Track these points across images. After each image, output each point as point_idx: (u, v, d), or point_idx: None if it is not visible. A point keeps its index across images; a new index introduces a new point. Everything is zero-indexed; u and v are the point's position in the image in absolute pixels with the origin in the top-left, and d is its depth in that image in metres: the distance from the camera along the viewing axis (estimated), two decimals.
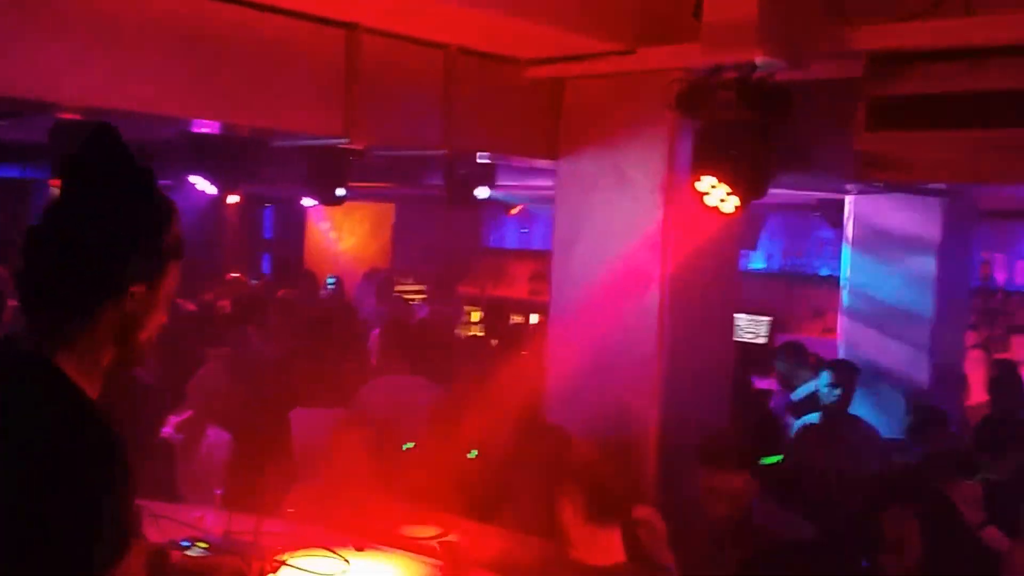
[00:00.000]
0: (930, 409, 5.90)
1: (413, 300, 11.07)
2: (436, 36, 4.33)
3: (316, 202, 9.24)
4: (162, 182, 1.83)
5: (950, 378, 6.82)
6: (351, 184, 6.04)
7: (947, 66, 3.78)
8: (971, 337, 7.78)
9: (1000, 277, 9.52)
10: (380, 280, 10.65)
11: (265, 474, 4.37)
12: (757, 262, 10.76)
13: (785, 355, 7.26)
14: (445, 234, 12.76)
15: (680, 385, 4.57)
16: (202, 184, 5.78)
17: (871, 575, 3.59)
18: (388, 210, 13.39)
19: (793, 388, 6.89)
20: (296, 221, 13.27)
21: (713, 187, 3.86)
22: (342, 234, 13.36)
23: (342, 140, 4.28)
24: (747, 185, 3.76)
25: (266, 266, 13.57)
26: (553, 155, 4.87)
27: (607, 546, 3.15)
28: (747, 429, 4.79)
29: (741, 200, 3.86)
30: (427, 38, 4.34)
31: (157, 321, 1.80)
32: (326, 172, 5.90)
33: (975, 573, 3.79)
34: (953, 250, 6.63)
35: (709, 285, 4.74)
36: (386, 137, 4.41)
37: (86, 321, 1.69)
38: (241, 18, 3.77)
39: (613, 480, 3.34)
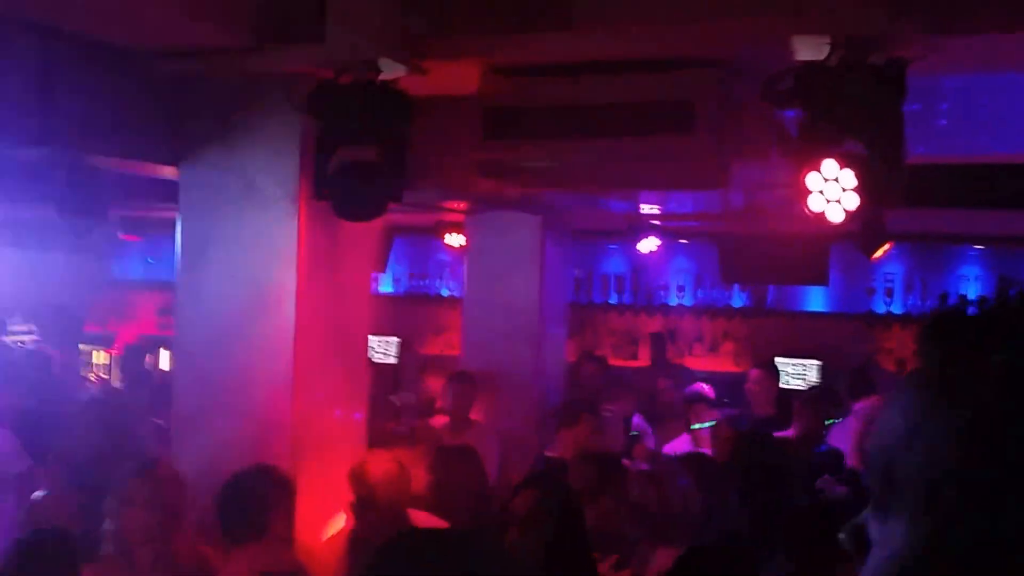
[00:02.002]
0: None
1: (22, 343, 9.73)
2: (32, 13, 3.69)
3: None
4: None
5: (555, 383, 7.37)
6: None
7: (555, 78, 3.92)
8: (571, 345, 8.40)
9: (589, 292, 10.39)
10: None
11: None
12: (385, 286, 10.79)
13: None
14: (60, 264, 11.35)
15: (315, 408, 4.31)
16: None
17: None
18: None
19: None
20: None
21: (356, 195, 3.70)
22: None
23: None
24: (369, 201, 3.63)
25: None
26: (171, 161, 4.39)
27: None
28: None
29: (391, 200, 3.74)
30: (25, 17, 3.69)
31: None
32: None
33: None
34: (553, 266, 7.07)
35: (345, 304, 4.53)
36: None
37: None
38: None
39: None
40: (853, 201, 3.01)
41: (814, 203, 3.08)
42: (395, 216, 4.73)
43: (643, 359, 10.04)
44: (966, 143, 5.35)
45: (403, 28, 3.61)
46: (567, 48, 3.71)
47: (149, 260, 12.01)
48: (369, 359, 5.24)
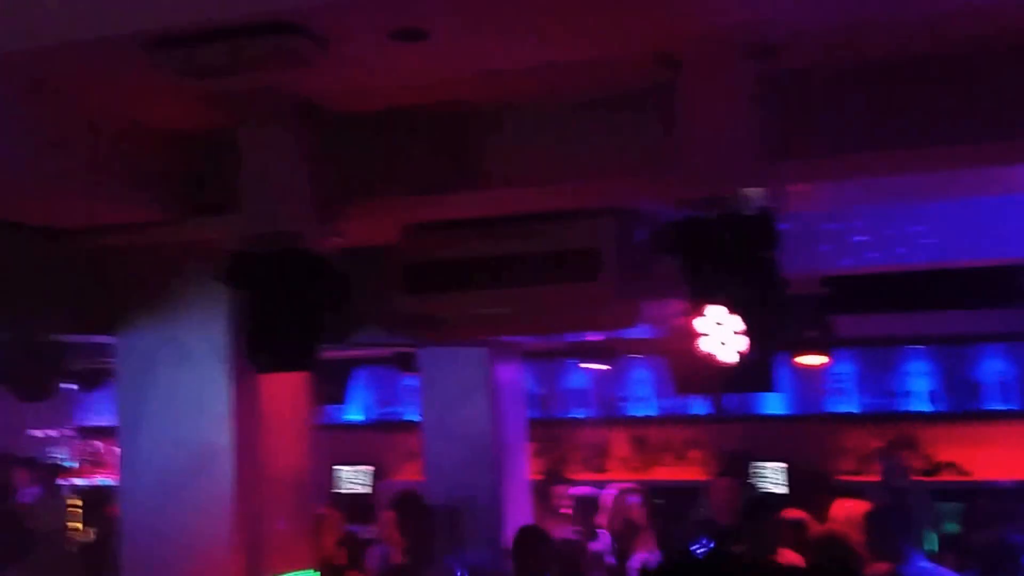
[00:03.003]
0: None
1: None
2: None
3: None
4: None
5: (520, 505, 7.30)
6: None
7: (470, 232, 4.06)
8: (537, 463, 8.39)
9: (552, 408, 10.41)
10: None
11: None
12: (354, 414, 10.77)
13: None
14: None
15: (259, 559, 4.31)
16: None
17: None
18: None
19: None
20: None
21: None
22: None
23: None
24: (295, 358, 3.71)
25: None
26: (108, 331, 4.48)
27: None
28: None
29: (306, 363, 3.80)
30: None
31: None
32: None
33: None
34: (506, 389, 7.14)
35: (285, 448, 4.57)
36: None
37: None
38: None
39: None
40: (742, 343, 3.12)
41: (705, 344, 3.18)
42: (352, 352, 4.82)
43: (613, 472, 10.00)
44: (882, 256, 5.55)
45: (320, 195, 3.75)
46: (478, 205, 3.86)
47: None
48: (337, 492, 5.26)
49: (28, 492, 9.02)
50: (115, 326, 4.46)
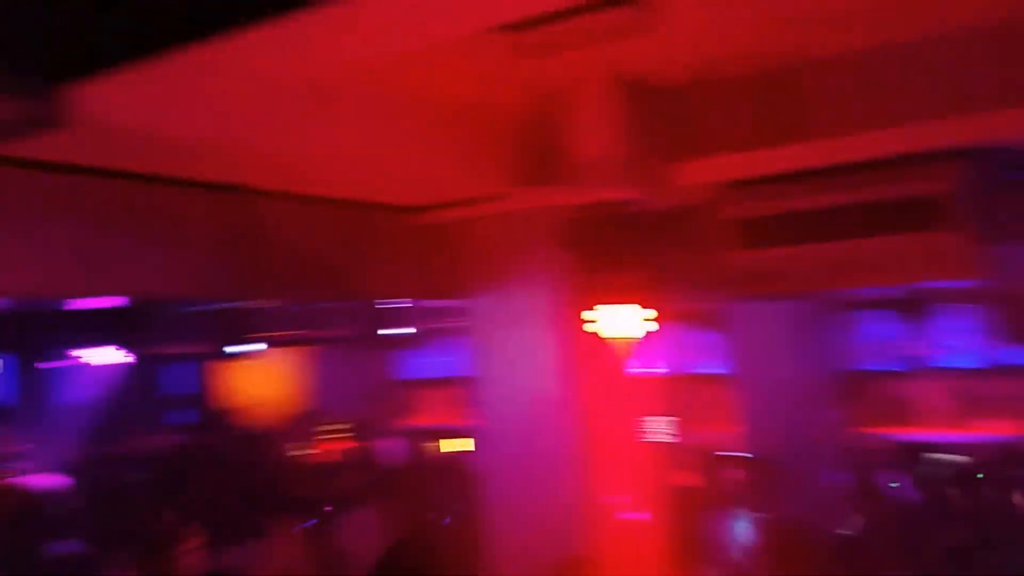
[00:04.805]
0: None
1: (344, 439, 10.79)
2: (328, 193, 4.32)
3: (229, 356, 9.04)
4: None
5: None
6: (262, 335, 5.93)
7: (800, 186, 3.95)
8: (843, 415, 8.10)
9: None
10: (303, 422, 10.38)
11: None
12: (659, 367, 10.87)
13: None
14: (361, 372, 12.53)
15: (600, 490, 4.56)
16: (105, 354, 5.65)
17: None
18: (307, 354, 13.14)
19: None
20: (211, 373, 12.88)
21: (612, 317, 3.93)
22: (264, 381, 13.04)
23: (239, 302, 4.20)
24: (647, 303, 3.84)
25: (176, 418, 13.03)
26: (454, 295, 4.86)
27: None
28: None
29: (646, 318, 3.93)
30: (321, 195, 4.33)
31: None
32: (234, 329, 5.80)
33: None
34: (819, 340, 6.90)
35: (612, 399, 4.75)
36: (284, 292, 4.35)
37: None
38: (125, 190, 3.69)
39: None
40: None
41: None
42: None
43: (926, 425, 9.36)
44: None
45: (648, 160, 3.81)
46: (807, 157, 3.74)
47: (434, 361, 12.93)
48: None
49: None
50: (462, 291, 4.83)
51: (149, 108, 2.82)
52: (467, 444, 8.58)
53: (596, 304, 3.93)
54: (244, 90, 2.98)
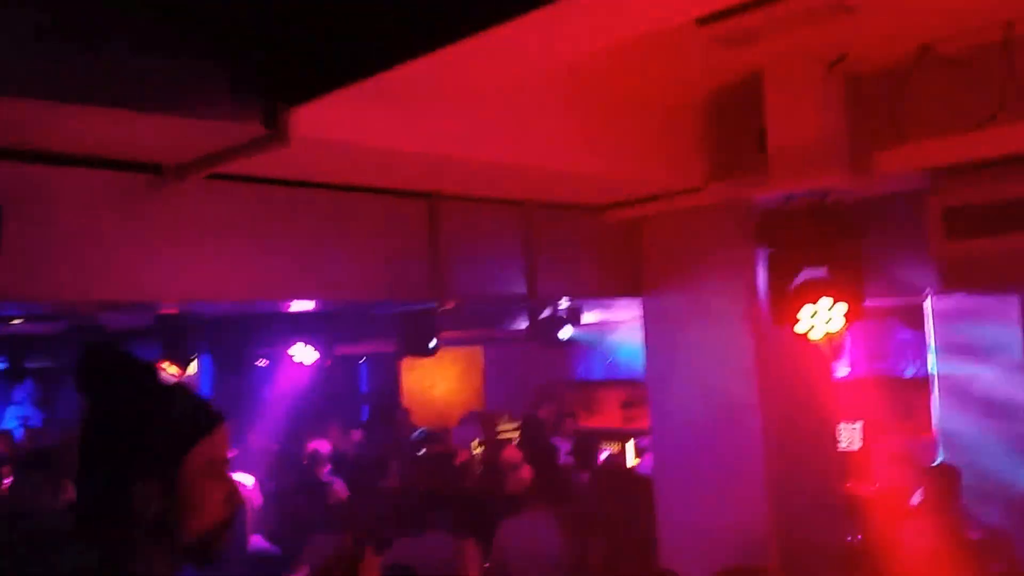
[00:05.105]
0: None
1: (512, 439, 10.87)
2: (514, 195, 4.35)
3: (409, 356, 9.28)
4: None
5: None
6: (441, 334, 6.05)
7: (1014, 172, 3.64)
8: None
9: None
10: (482, 421, 10.53)
11: None
12: (842, 370, 10.37)
13: None
14: (534, 371, 12.62)
15: (790, 500, 4.35)
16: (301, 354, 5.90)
17: None
18: (477, 353, 13.35)
19: None
20: (389, 372, 13.32)
21: (813, 315, 3.74)
22: (435, 380, 13.33)
23: (431, 304, 4.29)
24: (850, 299, 3.64)
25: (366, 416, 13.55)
26: (634, 293, 4.79)
27: None
28: None
29: (848, 316, 3.73)
30: (505, 197, 4.36)
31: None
32: (418, 330, 5.94)
33: None
34: None
35: (806, 403, 4.55)
36: (471, 293, 4.40)
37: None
38: (328, 199, 3.83)
39: None
40: None
41: None
42: None
43: None
44: None
45: (849, 147, 3.61)
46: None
47: (608, 361, 12.85)
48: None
49: None
50: (642, 289, 4.75)
51: (358, 124, 2.92)
52: (639, 448, 8.50)
53: (792, 301, 3.75)
54: (448, 102, 3.04)
